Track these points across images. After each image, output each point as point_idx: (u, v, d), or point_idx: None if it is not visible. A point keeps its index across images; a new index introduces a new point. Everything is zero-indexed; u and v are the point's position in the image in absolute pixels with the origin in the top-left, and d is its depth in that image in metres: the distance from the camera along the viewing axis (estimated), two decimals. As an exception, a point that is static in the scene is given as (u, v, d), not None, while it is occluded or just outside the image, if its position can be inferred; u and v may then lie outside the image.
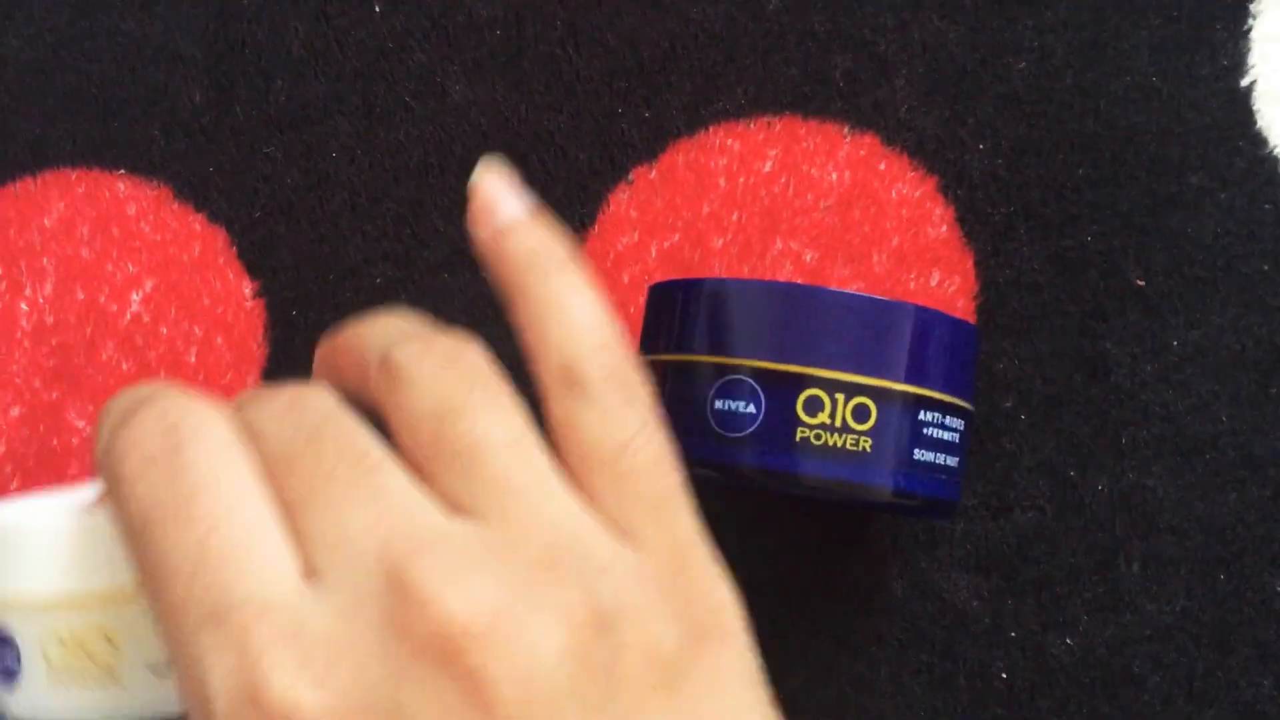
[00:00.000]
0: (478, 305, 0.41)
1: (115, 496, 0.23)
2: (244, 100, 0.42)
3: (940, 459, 0.31)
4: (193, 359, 0.41)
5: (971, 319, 0.40)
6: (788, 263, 0.40)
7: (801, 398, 0.30)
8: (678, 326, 0.32)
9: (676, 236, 0.41)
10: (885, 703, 0.38)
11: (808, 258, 0.40)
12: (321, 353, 0.29)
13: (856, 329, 0.30)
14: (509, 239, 0.27)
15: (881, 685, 0.38)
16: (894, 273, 0.40)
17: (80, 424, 0.41)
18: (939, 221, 0.40)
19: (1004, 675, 0.38)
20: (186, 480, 0.22)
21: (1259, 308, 0.39)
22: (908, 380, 0.30)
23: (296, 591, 0.22)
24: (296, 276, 0.41)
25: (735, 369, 0.31)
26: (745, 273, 0.40)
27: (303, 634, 0.21)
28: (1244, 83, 0.40)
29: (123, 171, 0.42)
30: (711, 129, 0.41)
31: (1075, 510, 0.38)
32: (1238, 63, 0.40)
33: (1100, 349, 0.39)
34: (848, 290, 0.37)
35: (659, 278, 0.40)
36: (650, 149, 0.41)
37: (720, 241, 0.40)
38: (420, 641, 0.21)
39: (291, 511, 0.23)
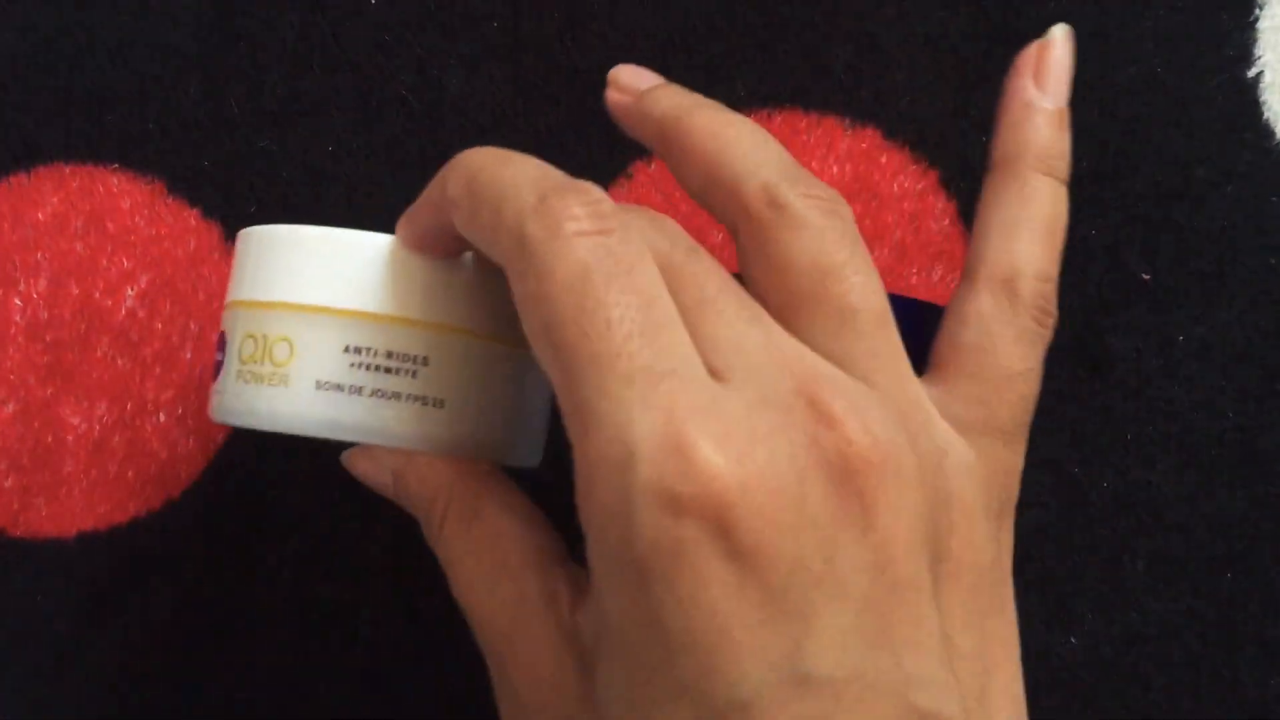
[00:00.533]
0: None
1: (543, 254, 0.24)
2: (238, 94, 0.42)
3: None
4: (189, 355, 0.41)
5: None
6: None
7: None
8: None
9: (676, 231, 0.40)
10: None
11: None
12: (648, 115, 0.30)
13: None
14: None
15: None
16: (895, 267, 0.39)
17: (75, 420, 0.40)
18: (941, 215, 0.40)
19: (1007, 674, 0.37)
20: (626, 257, 0.24)
21: (1266, 301, 0.39)
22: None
23: (711, 378, 0.23)
24: (292, 272, 0.41)
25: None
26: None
27: (724, 413, 0.23)
28: (1250, 74, 0.40)
29: (116, 166, 0.41)
30: (711, 122, 0.41)
31: (1079, 507, 0.38)
32: (1244, 54, 0.40)
33: (1105, 343, 0.39)
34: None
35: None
36: (649, 142, 0.41)
37: (720, 236, 0.40)
38: (828, 453, 0.23)
39: (686, 315, 0.24)
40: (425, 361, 0.31)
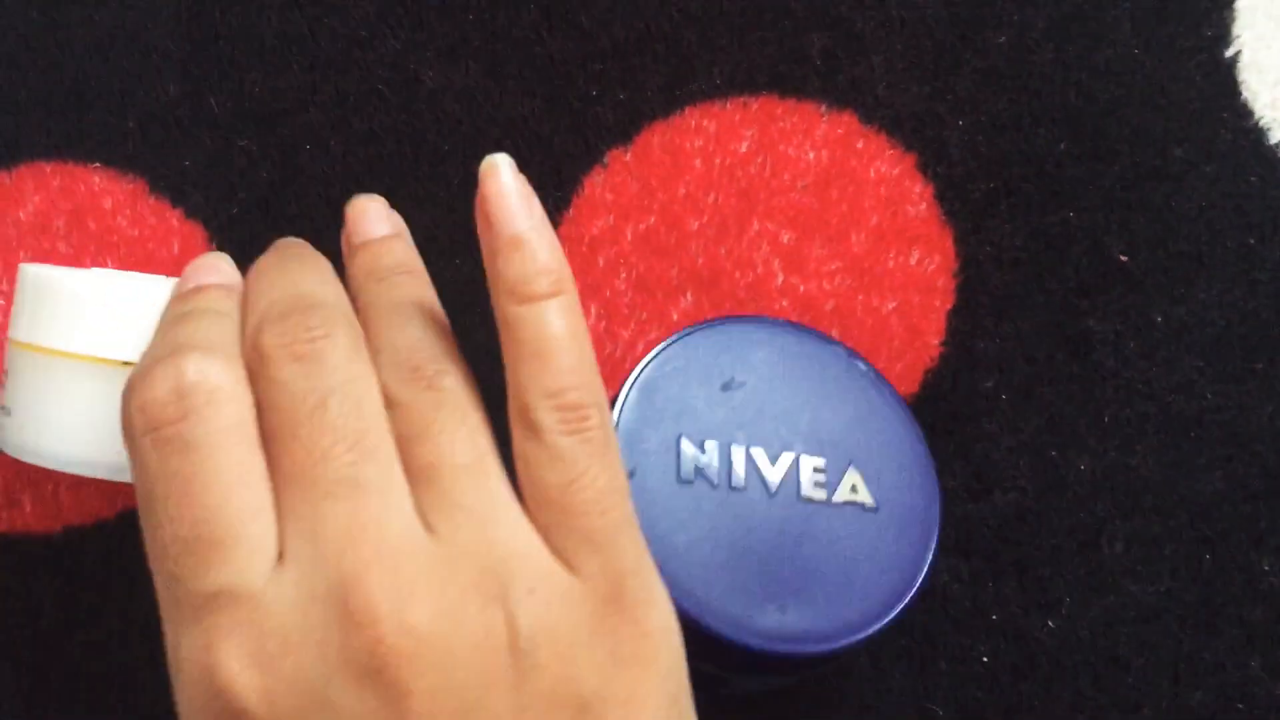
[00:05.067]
0: (453, 292, 0.40)
1: (131, 456, 0.26)
2: (218, 92, 0.42)
3: None
4: (175, 352, 0.41)
5: (952, 297, 0.39)
6: (765, 243, 0.40)
7: None
8: None
9: (652, 219, 0.40)
10: (866, 686, 0.38)
11: (785, 238, 0.40)
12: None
13: None
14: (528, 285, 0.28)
15: (862, 669, 0.38)
16: (873, 251, 0.39)
17: (61, 418, 0.41)
18: (918, 199, 0.40)
19: (985, 659, 0.37)
20: (190, 461, 0.25)
21: (1244, 282, 0.38)
22: None
23: (266, 578, 0.25)
24: (273, 267, 0.41)
25: None
26: (722, 255, 0.40)
27: (262, 624, 0.24)
28: (1229, 53, 0.39)
29: (98, 165, 0.42)
30: (687, 110, 0.41)
31: (1057, 490, 0.38)
32: (1222, 34, 0.40)
33: (1083, 326, 0.38)
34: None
35: (635, 261, 0.40)
36: (625, 131, 0.41)
37: (696, 224, 0.40)
38: (354, 653, 0.24)
39: (283, 485, 0.25)
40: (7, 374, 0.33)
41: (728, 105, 0.40)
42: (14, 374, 0.33)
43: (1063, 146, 0.39)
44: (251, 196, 0.41)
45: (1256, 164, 0.39)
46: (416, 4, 0.42)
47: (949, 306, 0.39)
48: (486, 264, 0.27)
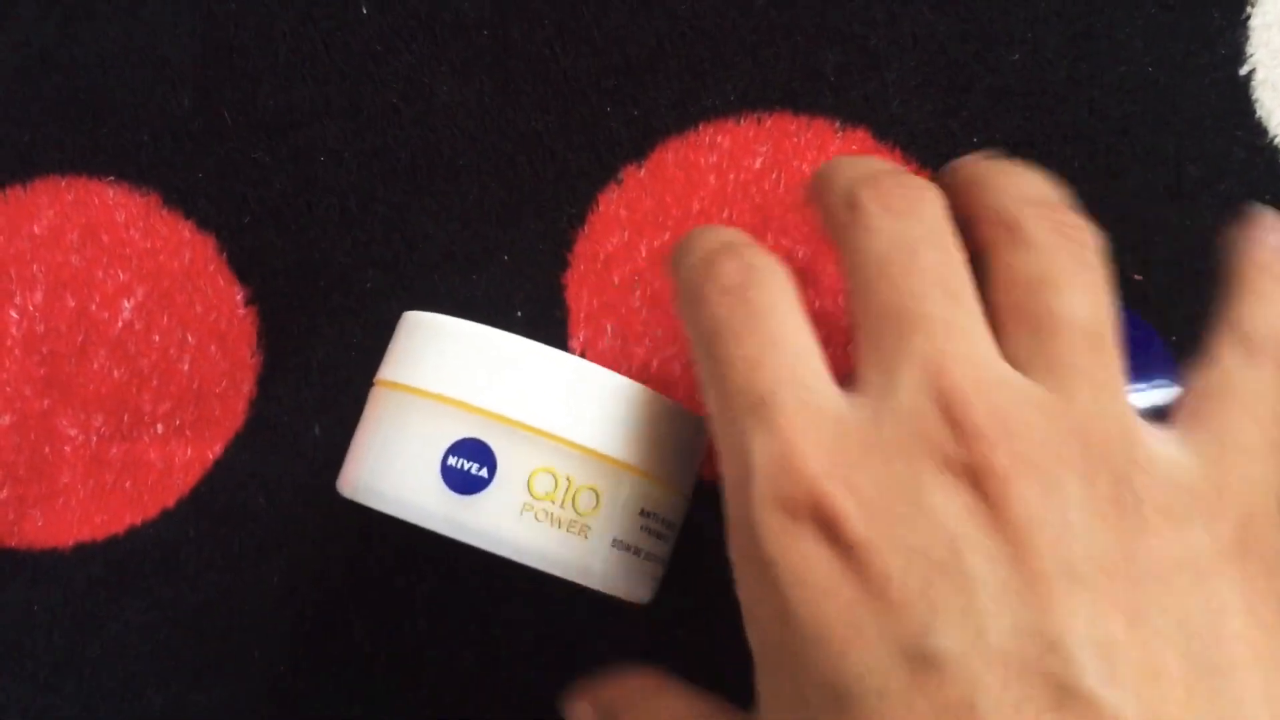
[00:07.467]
0: (468, 308, 0.40)
1: (692, 312, 0.28)
2: (231, 105, 0.42)
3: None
4: (186, 367, 0.41)
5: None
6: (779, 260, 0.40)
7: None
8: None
9: (667, 235, 0.40)
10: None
11: (800, 255, 0.40)
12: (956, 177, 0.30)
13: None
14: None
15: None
16: (887, 269, 0.39)
17: (72, 431, 0.40)
18: (932, 217, 0.40)
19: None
20: (756, 307, 0.26)
21: (1259, 300, 0.38)
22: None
23: (837, 395, 0.25)
24: (288, 282, 0.41)
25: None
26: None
27: (837, 427, 0.24)
28: (1242, 72, 0.39)
29: (112, 178, 0.42)
30: (701, 126, 0.41)
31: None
32: (1236, 52, 0.40)
33: (1097, 344, 0.38)
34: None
35: (650, 277, 0.40)
36: (639, 148, 0.41)
37: (711, 240, 0.40)
38: (957, 464, 0.23)
39: (866, 324, 0.26)
40: (672, 527, 0.33)
41: (742, 121, 0.41)
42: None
43: (1076, 164, 0.39)
44: (264, 208, 0.41)
45: (1271, 182, 0.39)
46: (430, 19, 0.42)
47: (964, 324, 0.39)
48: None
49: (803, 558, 0.24)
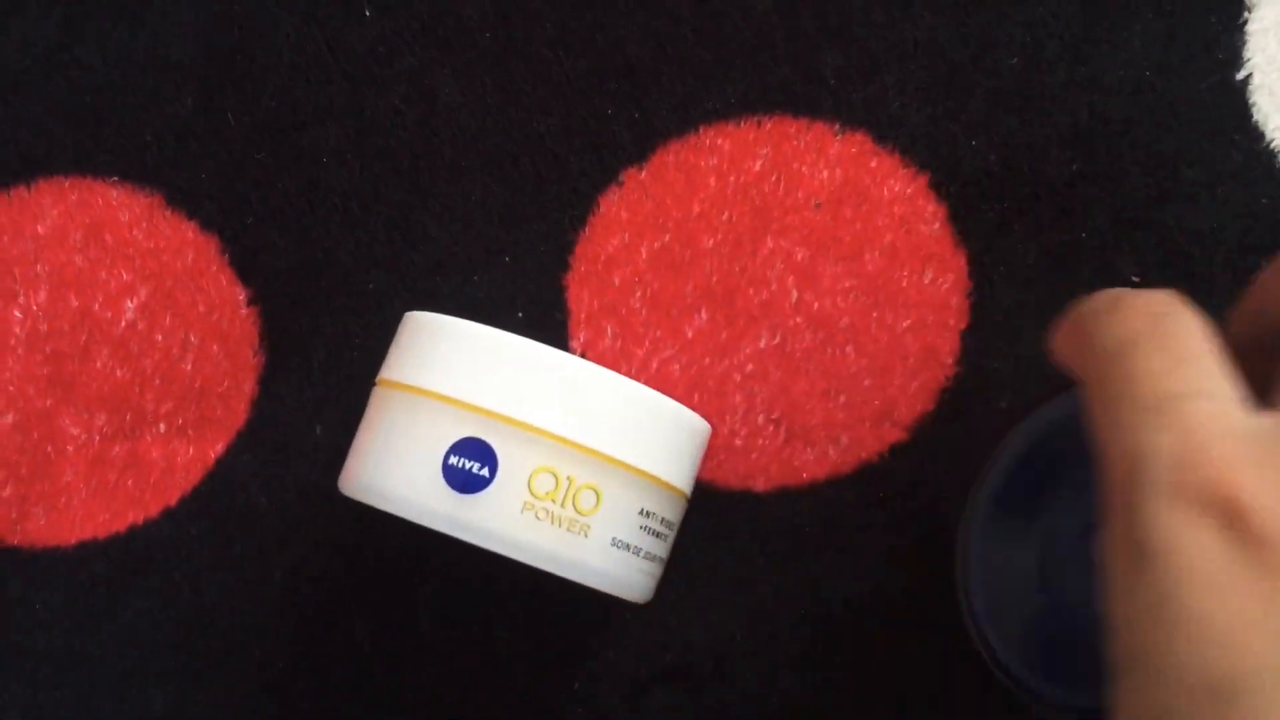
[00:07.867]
0: (470, 308, 0.40)
1: (1097, 328, 0.28)
2: (235, 106, 0.42)
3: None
4: (188, 367, 0.41)
5: (966, 316, 0.39)
6: (779, 261, 0.40)
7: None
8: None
9: (667, 237, 0.40)
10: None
11: (799, 257, 0.40)
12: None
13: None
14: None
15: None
16: (886, 271, 0.40)
17: (75, 430, 0.41)
18: (931, 219, 0.40)
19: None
20: (1168, 326, 0.26)
21: (1256, 303, 0.38)
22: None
23: (1249, 408, 0.25)
24: (290, 283, 0.41)
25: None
26: (737, 273, 0.40)
27: (1246, 431, 0.24)
28: (1240, 76, 0.40)
29: (115, 179, 0.42)
30: (701, 129, 0.41)
31: (1070, 509, 0.38)
32: (1233, 56, 0.40)
33: (1095, 346, 0.39)
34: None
35: (650, 279, 0.40)
36: (640, 150, 0.41)
37: (711, 242, 0.40)
38: None
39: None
40: (671, 526, 0.33)
41: (742, 124, 0.41)
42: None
43: (1075, 167, 0.40)
44: (267, 209, 0.42)
45: (1267, 185, 0.39)
46: (433, 21, 0.42)
47: (963, 326, 0.39)
48: None
49: (1200, 549, 0.23)
